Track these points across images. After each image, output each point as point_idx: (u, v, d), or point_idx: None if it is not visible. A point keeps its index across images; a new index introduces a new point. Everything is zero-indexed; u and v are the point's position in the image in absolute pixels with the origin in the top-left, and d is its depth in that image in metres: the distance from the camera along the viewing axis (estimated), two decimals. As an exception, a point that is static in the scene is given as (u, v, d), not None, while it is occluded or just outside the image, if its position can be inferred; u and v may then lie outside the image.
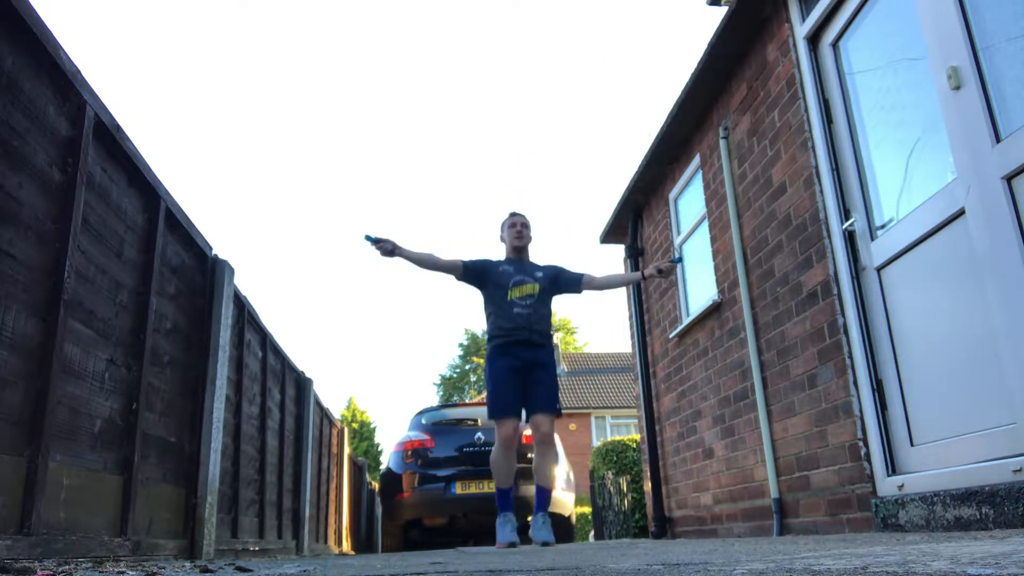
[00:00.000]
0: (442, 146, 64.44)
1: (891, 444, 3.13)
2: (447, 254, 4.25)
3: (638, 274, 4.35)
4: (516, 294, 4.15)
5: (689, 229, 5.52)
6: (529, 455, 4.61)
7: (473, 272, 4.21)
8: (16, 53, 2.17)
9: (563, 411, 4.32)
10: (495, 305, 4.19)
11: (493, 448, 4.24)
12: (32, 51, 2.25)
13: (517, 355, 4.12)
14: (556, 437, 7.72)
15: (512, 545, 4.08)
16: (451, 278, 4.28)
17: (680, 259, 4.68)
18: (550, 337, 4.29)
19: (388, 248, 3.95)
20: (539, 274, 4.26)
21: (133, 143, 2.91)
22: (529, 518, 4.43)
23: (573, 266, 4.44)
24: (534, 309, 4.15)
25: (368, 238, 3.89)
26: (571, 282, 4.28)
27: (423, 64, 62.27)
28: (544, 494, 4.24)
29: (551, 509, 7.60)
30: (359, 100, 62.51)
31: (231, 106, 60.36)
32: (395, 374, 69.35)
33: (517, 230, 4.29)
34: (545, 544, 4.06)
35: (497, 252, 4.74)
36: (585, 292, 4.38)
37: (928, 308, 2.95)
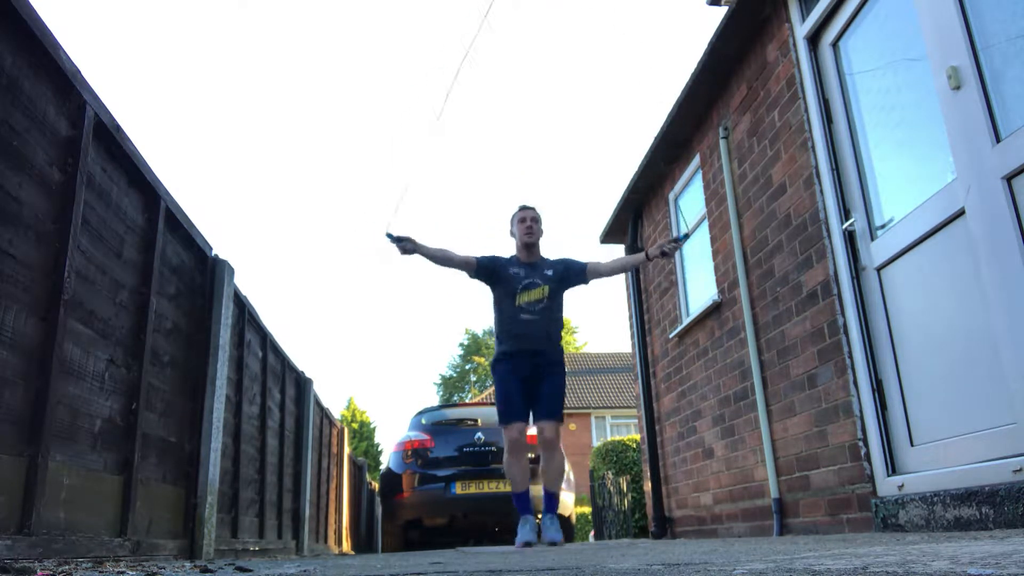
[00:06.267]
0: (442, 145, 64.41)
1: (891, 444, 3.13)
2: (461, 250, 4.23)
3: (641, 255, 4.28)
4: (524, 299, 4.09)
5: (689, 229, 5.52)
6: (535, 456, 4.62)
7: (485, 271, 4.18)
8: (16, 53, 2.17)
9: (564, 411, 4.33)
10: (503, 309, 4.16)
11: (504, 454, 4.26)
12: (32, 51, 2.25)
13: (524, 362, 4.11)
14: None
15: (528, 544, 4.12)
16: (463, 275, 4.27)
17: (687, 235, 4.37)
18: (559, 339, 4.27)
19: (408, 248, 3.93)
20: (549, 272, 4.17)
21: (133, 143, 2.91)
22: (539, 516, 4.48)
23: (579, 256, 4.38)
24: (543, 315, 4.11)
25: (389, 236, 3.90)
26: (577, 274, 4.24)
27: (423, 63, 62.26)
28: (551, 498, 4.27)
29: None
30: (359, 100, 62.53)
31: (231, 106, 60.38)
32: (395, 374, 69.41)
33: (527, 225, 4.16)
34: (552, 543, 4.09)
35: (507, 247, 4.74)
36: (592, 281, 4.36)
37: (928, 308, 2.95)
